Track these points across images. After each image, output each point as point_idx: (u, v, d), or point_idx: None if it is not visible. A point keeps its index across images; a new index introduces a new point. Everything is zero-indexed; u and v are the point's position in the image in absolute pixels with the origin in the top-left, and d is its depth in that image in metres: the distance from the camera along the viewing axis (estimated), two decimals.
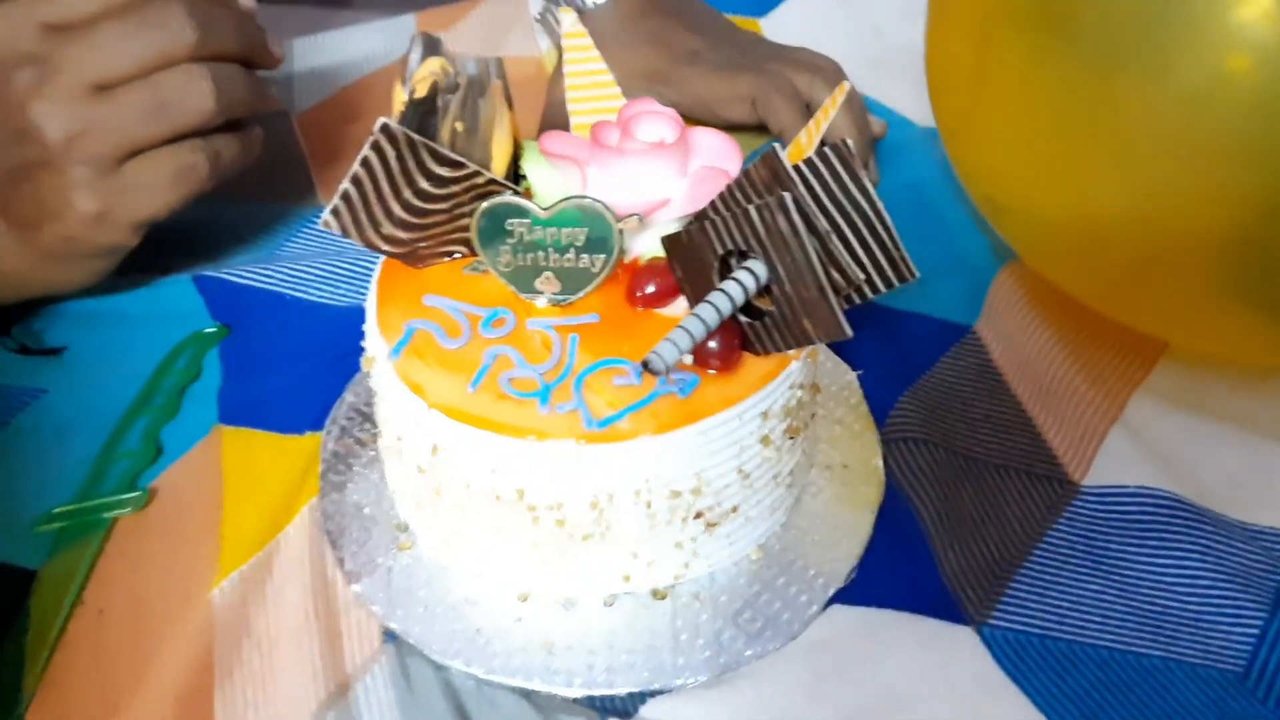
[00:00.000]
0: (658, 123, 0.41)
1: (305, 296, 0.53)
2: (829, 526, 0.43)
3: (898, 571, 0.41)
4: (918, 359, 0.50)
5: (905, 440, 0.46)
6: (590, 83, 0.44)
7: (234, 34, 0.47)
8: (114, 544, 0.43)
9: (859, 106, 0.58)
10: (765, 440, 0.38)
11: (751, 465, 0.39)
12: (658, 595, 0.40)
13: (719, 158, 0.41)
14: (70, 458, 0.46)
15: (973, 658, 0.39)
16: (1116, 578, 0.41)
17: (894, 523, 0.43)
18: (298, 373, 0.49)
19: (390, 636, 0.40)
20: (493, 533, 0.39)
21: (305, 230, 0.57)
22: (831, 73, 0.58)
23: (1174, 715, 0.37)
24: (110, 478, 0.45)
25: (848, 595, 0.41)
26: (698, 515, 0.38)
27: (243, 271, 0.53)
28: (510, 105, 0.44)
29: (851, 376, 0.48)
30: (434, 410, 0.37)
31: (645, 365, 0.35)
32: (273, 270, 0.53)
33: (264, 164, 0.52)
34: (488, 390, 0.37)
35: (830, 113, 0.40)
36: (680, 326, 0.36)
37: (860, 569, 0.41)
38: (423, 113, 0.40)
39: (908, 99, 0.64)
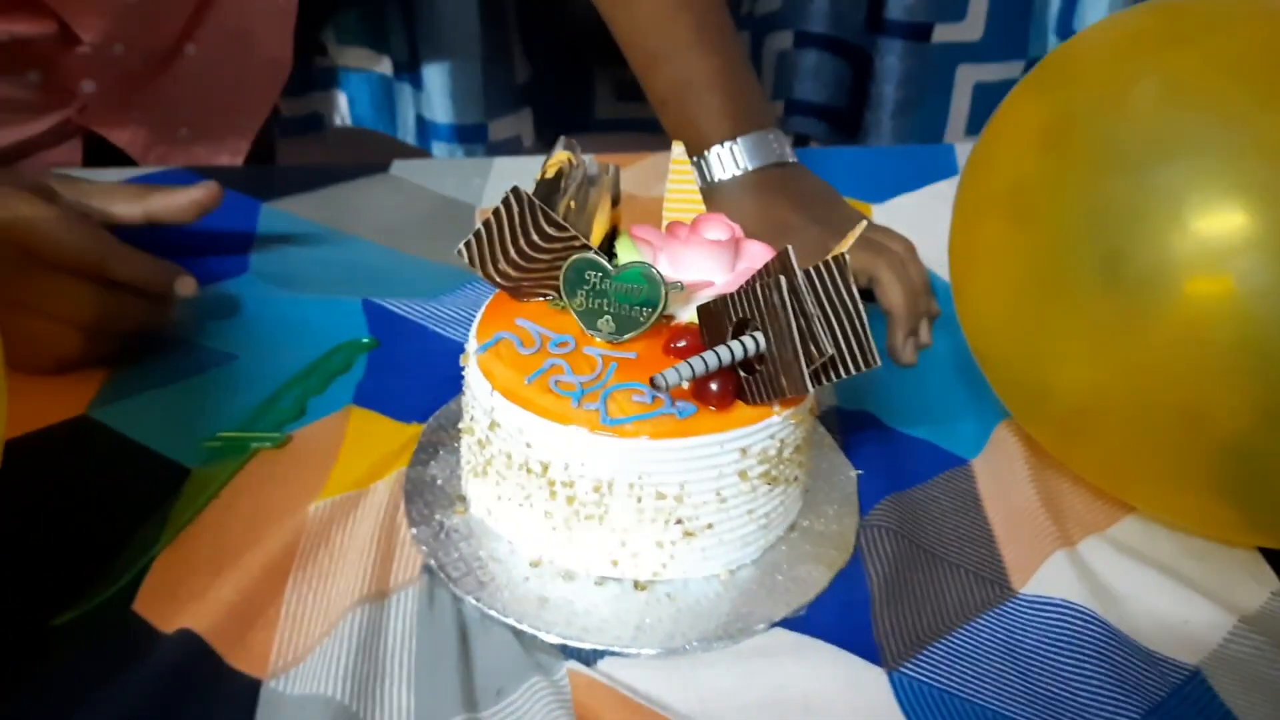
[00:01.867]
0: (719, 228, 0.54)
1: (440, 331, 0.67)
2: (793, 573, 0.52)
3: (838, 617, 0.50)
4: (915, 474, 0.58)
5: (879, 528, 0.54)
6: (684, 196, 0.57)
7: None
8: (252, 466, 0.57)
9: (922, 283, 0.68)
10: (743, 475, 0.48)
11: (729, 493, 0.49)
12: (639, 586, 0.50)
13: (761, 262, 0.53)
14: (240, 403, 0.61)
15: (878, 692, 0.47)
16: (1023, 663, 0.48)
17: (848, 583, 0.51)
18: (419, 381, 0.63)
19: (428, 571, 0.51)
20: (520, 503, 0.50)
21: (451, 287, 0.71)
22: (895, 253, 0.68)
23: None
24: (263, 423, 0.59)
25: (790, 623, 0.49)
26: (678, 521, 0.48)
27: (399, 303, 0.68)
28: (616, 202, 0.57)
29: (853, 474, 0.58)
30: (496, 392, 0.49)
31: (651, 382, 0.46)
32: (421, 306, 0.68)
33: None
34: (539, 385, 0.49)
35: (850, 241, 0.51)
36: (685, 362, 0.47)
37: (808, 609, 0.50)
38: (547, 188, 0.54)
39: None
